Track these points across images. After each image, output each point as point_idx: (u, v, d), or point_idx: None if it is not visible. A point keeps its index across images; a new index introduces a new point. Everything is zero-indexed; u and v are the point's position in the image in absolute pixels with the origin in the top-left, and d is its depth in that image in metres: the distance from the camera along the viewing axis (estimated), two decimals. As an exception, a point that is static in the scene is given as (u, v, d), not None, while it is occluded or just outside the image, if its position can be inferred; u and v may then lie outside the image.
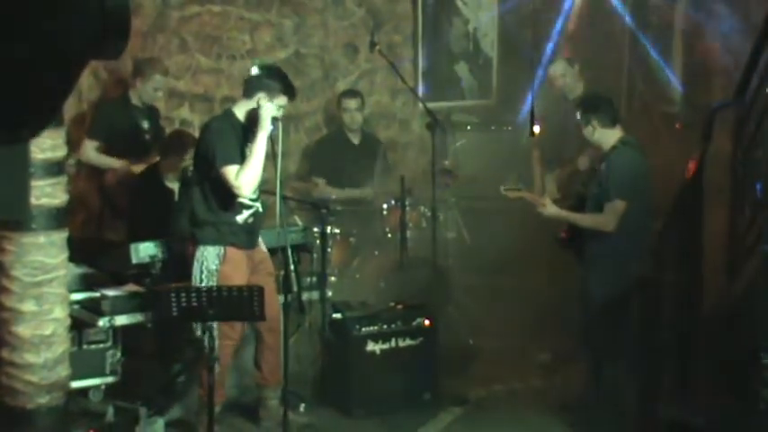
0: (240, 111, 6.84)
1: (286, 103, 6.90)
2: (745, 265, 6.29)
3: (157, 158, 8.08)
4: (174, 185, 7.89)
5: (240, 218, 6.84)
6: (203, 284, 6.64)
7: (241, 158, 6.67)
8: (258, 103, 6.68)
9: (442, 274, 8.96)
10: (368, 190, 9.42)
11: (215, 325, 6.33)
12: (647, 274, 6.87)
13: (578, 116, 7.35)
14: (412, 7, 10.50)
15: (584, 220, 7.34)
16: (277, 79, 6.85)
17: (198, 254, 6.81)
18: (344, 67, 10.25)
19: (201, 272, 6.76)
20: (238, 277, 6.76)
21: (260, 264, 7.08)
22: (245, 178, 6.60)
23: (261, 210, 6.98)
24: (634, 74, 9.34)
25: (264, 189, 7.00)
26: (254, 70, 6.95)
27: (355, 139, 9.61)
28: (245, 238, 6.91)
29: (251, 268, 6.98)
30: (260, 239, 7.10)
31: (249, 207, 6.86)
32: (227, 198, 6.76)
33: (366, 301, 8.01)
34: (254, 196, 6.88)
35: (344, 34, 10.19)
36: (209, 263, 6.77)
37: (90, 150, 8.37)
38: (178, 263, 7.20)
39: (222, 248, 6.80)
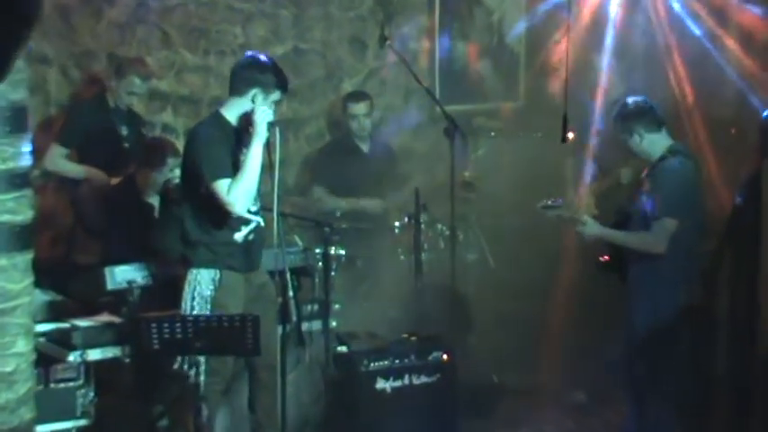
0: (230, 112, 6.76)
1: (280, 98, 6.85)
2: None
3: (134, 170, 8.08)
4: (155, 200, 7.85)
5: (239, 235, 6.77)
6: (195, 312, 6.58)
7: (234, 170, 6.60)
8: (253, 103, 6.62)
9: (462, 301, 8.96)
10: (376, 201, 9.37)
11: (202, 360, 6.26)
12: (697, 302, 6.83)
13: (620, 130, 7.27)
14: (427, -5, 10.49)
15: (630, 240, 7.27)
16: (271, 72, 6.78)
17: (190, 278, 6.75)
18: (350, 66, 10.25)
19: (193, 298, 6.70)
20: (234, 305, 6.71)
21: (260, 289, 7.02)
22: (238, 193, 6.50)
23: (262, 224, 6.90)
24: (683, 74, 9.29)
25: (261, 204, 6.92)
26: (244, 62, 6.89)
27: (364, 147, 9.56)
28: (244, 259, 6.84)
29: (249, 294, 6.92)
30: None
31: (248, 222, 6.78)
32: (221, 214, 6.67)
33: (375, 332, 7.97)
34: (254, 209, 6.80)
35: (350, 27, 10.18)
36: (203, 288, 6.72)
37: (57, 158, 8.33)
38: (161, 289, 7.19)
39: (218, 272, 6.75)
